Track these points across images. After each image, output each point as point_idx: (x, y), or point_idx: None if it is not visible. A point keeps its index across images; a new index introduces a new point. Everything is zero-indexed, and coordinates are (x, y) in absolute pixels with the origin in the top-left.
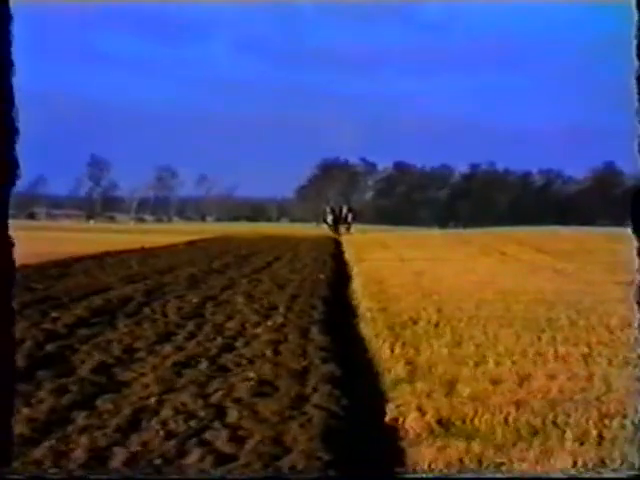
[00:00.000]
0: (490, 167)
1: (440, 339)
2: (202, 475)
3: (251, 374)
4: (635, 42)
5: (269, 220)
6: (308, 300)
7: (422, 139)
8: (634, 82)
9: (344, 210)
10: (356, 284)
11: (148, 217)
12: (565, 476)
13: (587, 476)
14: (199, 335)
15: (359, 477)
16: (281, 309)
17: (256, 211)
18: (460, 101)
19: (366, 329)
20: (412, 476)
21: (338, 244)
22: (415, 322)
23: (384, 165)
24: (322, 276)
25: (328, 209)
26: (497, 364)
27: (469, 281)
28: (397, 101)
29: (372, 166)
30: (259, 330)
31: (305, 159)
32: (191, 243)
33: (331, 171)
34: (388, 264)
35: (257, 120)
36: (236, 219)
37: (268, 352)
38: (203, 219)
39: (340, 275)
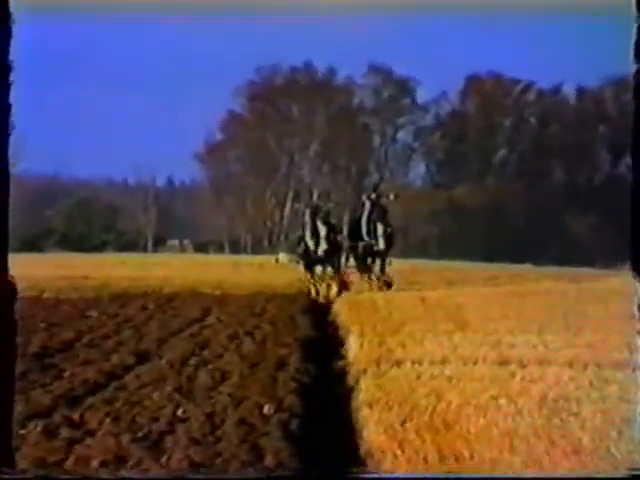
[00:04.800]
0: None
1: None
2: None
3: None
4: (635, 42)
5: (126, 246)
6: None
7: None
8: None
9: (365, 214)
10: (375, 436)
11: None
12: (565, 476)
13: (587, 476)
14: None
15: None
16: None
17: (93, 221)
18: None
19: None
20: (410, 476)
21: (324, 315)
22: None
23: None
24: (269, 409)
25: (306, 213)
26: None
27: None
28: None
29: (402, 82)
30: None
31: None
32: None
33: (280, 98)
34: (469, 375)
35: None
36: (31, 246)
37: None
38: None
39: (328, 404)
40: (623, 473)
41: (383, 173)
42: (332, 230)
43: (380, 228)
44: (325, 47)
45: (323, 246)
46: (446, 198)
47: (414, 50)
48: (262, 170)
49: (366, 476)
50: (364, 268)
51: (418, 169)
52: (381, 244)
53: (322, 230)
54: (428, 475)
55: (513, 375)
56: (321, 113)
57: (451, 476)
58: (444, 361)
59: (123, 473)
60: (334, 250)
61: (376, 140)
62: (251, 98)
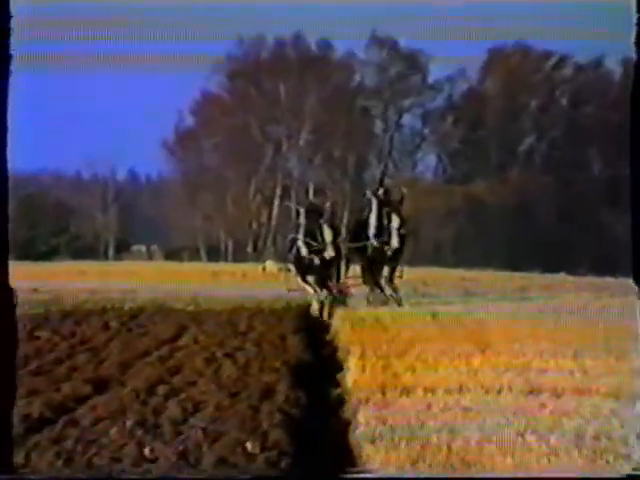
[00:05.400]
0: None
1: None
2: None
3: None
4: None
5: (82, 253)
6: None
7: None
8: None
9: (374, 213)
10: None
11: None
12: (566, 476)
13: (589, 476)
14: None
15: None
16: None
17: (40, 223)
18: None
19: None
20: (409, 476)
21: (322, 334)
22: None
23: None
24: (252, 446)
25: (301, 211)
26: None
27: None
28: None
29: (412, 56)
30: None
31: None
32: None
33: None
34: (491, 406)
35: None
36: None
37: None
38: None
39: (322, 440)
40: (623, 473)
41: (386, 165)
42: (337, 235)
43: (396, 221)
44: (319, 15)
45: (330, 253)
46: (462, 195)
47: (426, 18)
48: (244, 161)
49: (361, 476)
50: (371, 278)
51: (428, 160)
52: (395, 241)
53: (328, 235)
54: (427, 475)
55: (543, 407)
56: (313, 94)
57: (450, 476)
58: (461, 389)
59: None
60: (335, 258)
61: (378, 126)
62: (231, 76)
